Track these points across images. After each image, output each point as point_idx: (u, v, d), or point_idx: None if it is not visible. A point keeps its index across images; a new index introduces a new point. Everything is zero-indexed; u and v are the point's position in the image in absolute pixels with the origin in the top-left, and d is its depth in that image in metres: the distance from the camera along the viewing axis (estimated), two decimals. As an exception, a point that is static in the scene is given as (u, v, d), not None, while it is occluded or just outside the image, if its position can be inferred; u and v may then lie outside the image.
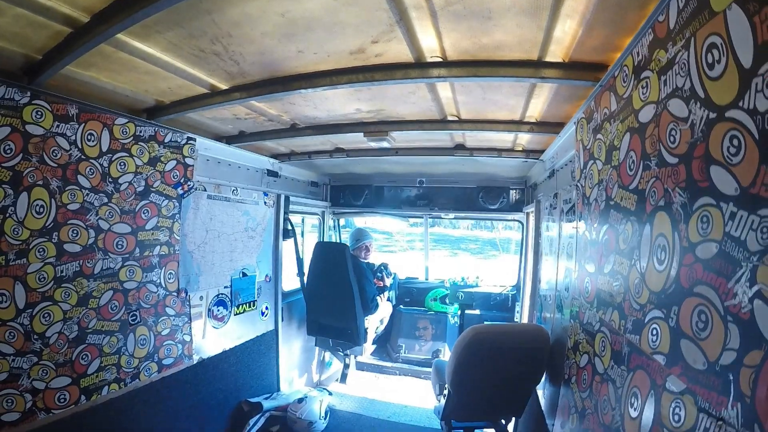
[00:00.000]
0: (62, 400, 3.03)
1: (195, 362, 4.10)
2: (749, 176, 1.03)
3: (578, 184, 2.77)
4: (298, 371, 6.16)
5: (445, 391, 3.78)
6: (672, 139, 1.45)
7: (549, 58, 2.52)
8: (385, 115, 3.95)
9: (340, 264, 5.40)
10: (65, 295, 3.06)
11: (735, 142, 1.09)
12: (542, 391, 3.60)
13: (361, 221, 8.32)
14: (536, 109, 3.49)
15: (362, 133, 4.23)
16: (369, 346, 6.56)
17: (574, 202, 2.90)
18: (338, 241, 7.59)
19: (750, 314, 0.97)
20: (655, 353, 1.44)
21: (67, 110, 3.03)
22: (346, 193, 7.18)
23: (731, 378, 0.99)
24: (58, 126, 2.98)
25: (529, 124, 3.78)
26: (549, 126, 3.70)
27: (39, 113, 2.87)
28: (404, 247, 17.60)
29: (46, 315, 2.95)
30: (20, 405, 2.81)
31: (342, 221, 7.79)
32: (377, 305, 6.24)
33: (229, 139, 4.71)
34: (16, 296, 2.79)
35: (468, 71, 2.67)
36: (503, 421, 4.01)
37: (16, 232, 2.79)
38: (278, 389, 5.49)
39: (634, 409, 1.56)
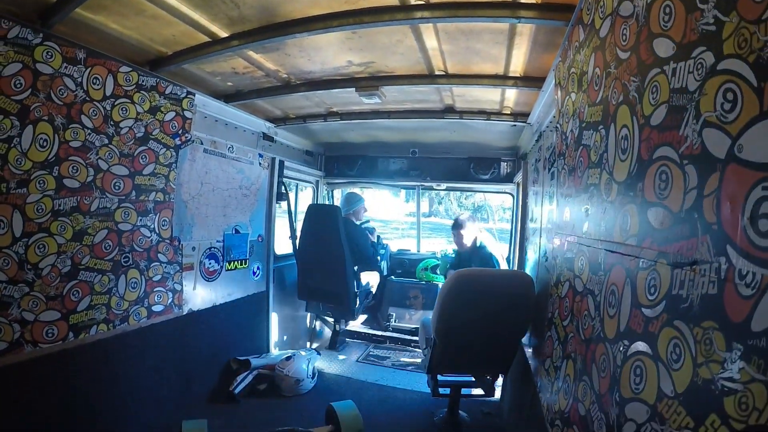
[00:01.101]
0: (50, 335, 3.05)
1: (185, 312, 4.13)
2: (680, 31, 1.18)
3: (557, 125, 2.82)
4: (289, 337, 6.19)
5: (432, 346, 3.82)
6: (624, 37, 1.60)
7: (524, -1, 2.65)
8: (375, 69, 4.03)
9: (332, 226, 5.41)
10: (61, 228, 3.09)
11: (667, 9, 1.25)
12: (530, 351, 3.59)
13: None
14: (519, 62, 3.57)
15: (354, 89, 4.32)
16: (360, 315, 6.65)
17: (554, 145, 2.95)
18: (330, 207, 7.59)
19: (701, 146, 1.04)
20: (628, 239, 1.50)
21: (75, 53, 3.10)
22: (340, 163, 7.21)
23: (696, 216, 1.04)
24: (66, 67, 3.05)
25: (513, 79, 3.85)
26: (532, 81, 3.77)
27: (49, 54, 2.94)
28: (402, 235, 17.79)
29: (41, 246, 2.98)
30: (8, 335, 2.82)
31: (337, 193, 7.81)
32: (381, 259, 6.37)
33: (227, 98, 4.75)
34: (13, 224, 2.82)
35: (448, 12, 2.81)
36: (490, 378, 4.05)
37: (19, 162, 2.84)
38: (268, 353, 5.52)
39: (612, 307, 1.60)
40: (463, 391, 4.26)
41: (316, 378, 5.06)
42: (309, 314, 6.60)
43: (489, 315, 3.35)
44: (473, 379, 4.09)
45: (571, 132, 2.41)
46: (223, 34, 3.45)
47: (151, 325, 3.80)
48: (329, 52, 3.73)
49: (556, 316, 2.69)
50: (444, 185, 7.08)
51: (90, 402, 3.33)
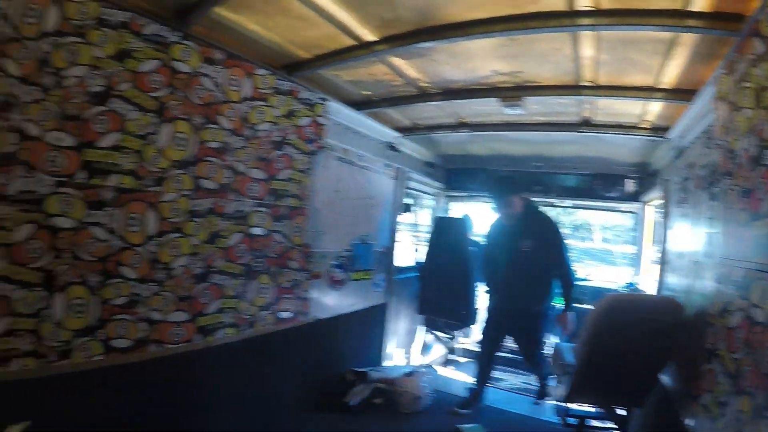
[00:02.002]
0: (177, 336, 2.87)
1: (310, 321, 3.87)
2: None
3: (720, 141, 2.54)
4: (401, 350, 5.81)
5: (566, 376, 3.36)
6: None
7: (693, 8, 2.40)
8: (522, 78, 3.70)
9: (460, 240, 4.98)
10: (196, 229, 2.93)
11: None
12: (670, 382, 3.14)
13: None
14: (672, 73, 3.22)
15: (495, 99, 3.95)
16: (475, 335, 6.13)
17: (714, 163, 2.66)
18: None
19: None
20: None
21: (213, 54, 2.98)
22: (461, 176, 6.73)
23: None
24: (204, 67, 2.92)
25: (662, 91, 3.47)
26: (682, 93, 3.36)
27: (187, 53, 2.83)
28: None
29: (174, 246, 2.82)
30: (133, 333, 2.66)
31: (455, 206, 7.30)
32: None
33: (357, 106, 4.49)
34: (147, 222, 2.69)
35: (616, 20, 2.57)
36: (622, 410, 3.49)
37: (155, 160, 2.70)
38: (380, 365, 5.16)
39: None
40: (589, 422, 3.76)
41: (432, 396, 4.58)
42: (422, 329, 6.12)
43: (633, 342, 2.96)
44: (603, 410, 3.57)
45: (744, 150, 2.17)
46: (371, 38, 3.19)
47: (277, 331, 3.57)
48: (478, 60, 3.41)
49: (721, 347, 2.37)
50: (568, 202, 6.42)
51: (208, 404, 3.12)
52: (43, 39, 2.29)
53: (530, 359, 4.60)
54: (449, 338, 6.02)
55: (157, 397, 2.83)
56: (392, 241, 5.13)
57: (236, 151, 3.13)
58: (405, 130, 5.33)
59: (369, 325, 4.87)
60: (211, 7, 2.74)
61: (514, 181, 4.40)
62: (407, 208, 5.19)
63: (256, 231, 3.29)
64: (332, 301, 4.18)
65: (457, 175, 6.76)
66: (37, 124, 2.28)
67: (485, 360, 4.47)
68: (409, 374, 4.59)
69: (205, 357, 3.03)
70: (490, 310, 4.52)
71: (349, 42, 3.23)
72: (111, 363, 2.58)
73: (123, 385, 2.66)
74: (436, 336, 6.32)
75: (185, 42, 2.80)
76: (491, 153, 6.26)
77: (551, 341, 4.72)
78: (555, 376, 4.08)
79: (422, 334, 6.33)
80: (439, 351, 6.35)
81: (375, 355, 5.09)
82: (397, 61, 3.54)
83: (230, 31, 3.08)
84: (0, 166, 2.19)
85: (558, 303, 4.33)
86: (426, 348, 6.47)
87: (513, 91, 3.85)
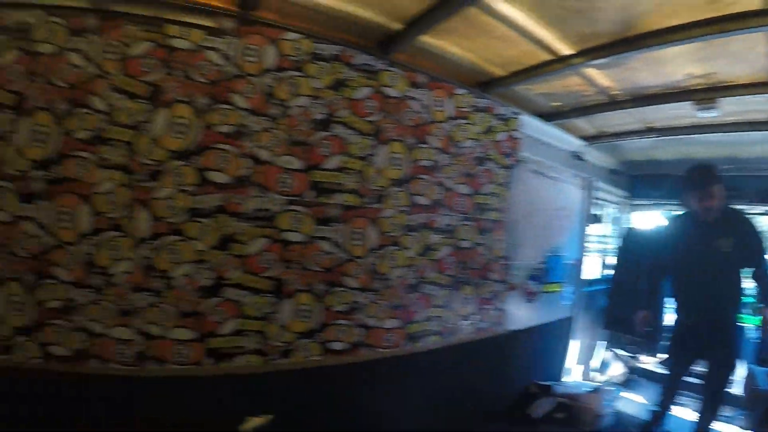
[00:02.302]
0: (387, 341, 2.95)
1: (504, 332, 3.75)
2: None
3: None
4: (580, 366, 5.39)
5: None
6: None
7: None
8: (715, 80, 3.33)
9: (652, 250, 4.56)
10: (411, 243, 2.97)
11: None
12: None
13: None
14: None
15: (689, 102, 3.57)
16: (660, 354, 5.57)
17: None
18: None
19: None
20: None
21: (417, 78, 3.03)
22: (645, 183, 6.07)
23: None
24: (410, 91, 2.99)
25: None
26: None
27: (394, 78, 2.91)
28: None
29: (392, 258, 2.89)
30: (349, 337, 2.79)
31: (639, 215, 6.67)
32: None
33: (547, 117, 4.28)
34: (369, 236, 2.80)
35: None
36: None
37: (375, 179, 2.81)
38: (560, 380, 4.82)
39: None
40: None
41: (613, 415, 4.26)
42: (602, 344, 5.69)
43: None
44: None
45: None
46: (567, 52, 3.02)
47: (474, 340, 3.51)
48: (672, 65, 3.14)
49: None
50: (760, 208, 5.56)
51: (408, 405, 3.14)
52: (265, 75, 2.52)
53: (715, 385, 3.78)
54: (631, 356, 5.56)
55: (364, 395, 2.93)
56: (581, 252, 4.81)
57: (444, 168, 3.14)
58: (590, 138, 4.97)
59: (554, 339, 4.59)
60: (417, 35, 2.77)
61: (717, 169, 3.35)
62: (595, 218, 4.89)
63: (463, 244, 3.26)
64: (524, 313, 4.01)
65: (641, 182, 6.11)
66: (268, 150, 2.50)
67: (671, 382, 3.93)
68: (593, 391, 4.29)
69: (409, 362, 3.07)
70: (678, 324, 3.66)
71: (545, 57, 3.10)
72: (326, 363, 2.72)
73: (335, 383, 2.79)
74: (616, 354, 5.85)
75: (391, 69, 2.90)
76: (677, 156, 5.49)
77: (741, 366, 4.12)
78: (746, 406, 3.56)
79: (602, 351, 5.97)
80: (617, 369, 5.89)
81: (556, 369, 4.78)
82: (591, 72, 3.32)
83: (430, 55, 3.09)
84: (237, 188, 2.44)
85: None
86: (604, 365, 6.05)
87: (706, 93, 3.47)
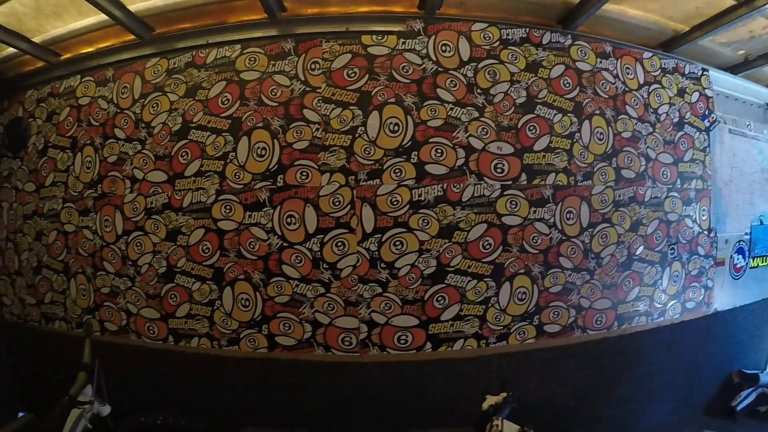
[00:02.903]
0: (598, 323, 2.77)
1: (710, 312, 3.34)
2: None
3: None
4: None
5: None
6: None
7: None
8: None
9: None
10: (620, 218, 2.76)
11: None
12: None
13: None
14: None
15: None
16: None
17: None
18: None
19: None
20: None
21: (604, 48, 2.82)
22: None
23: None
24: (600, 62, 2.80)
25: None
26: None
27: (583, 52, 2.74)
28: None
29: (603, 236, 2.71)
30: (564, 319, 2.66)
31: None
32: None
33: (734, 69, 3.76)
34: (581, 215, 2.65)
35: None
36: None
37: (582, 156, 2.66)
38: (764, 369, 4.09)
39: None
40: None
41: None
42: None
43: None
44: None
45: None
46: None
47: (681, 322, 3.15)
48: None
49: None
50: None
51: (614, 387, 2.91)
52: (463, 66, 2.51)
53: None
54: None
55: (580, 376, 2.78)
56: None
57: (645, 138, 2.88)
58: None
59: (760, 321, 3.95)
60: (598, 4, 2.54)
61: None
62: None
63: (671, 216, 2.96)
64: (732, 292, 3.53)
65: None
66: (480, 139, 2.47)
67: None
68: None
69: (616, 343, 2.84)
70: None
71: (728, 2, 2.72)
72: (538, 346, 2.63)
73: (547, 366, 2.68)
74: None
75: (578, 42, 2.74)
76: None
77: None
78: None
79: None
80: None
81: (759, 357, 4.13)
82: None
83: (611, 21, 2.84)
84: (455, 178, 2.44)
85: None
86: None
87: None
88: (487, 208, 2.45)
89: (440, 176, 2.42)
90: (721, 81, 3.51)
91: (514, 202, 2.49)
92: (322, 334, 2.44)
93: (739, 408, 3.47)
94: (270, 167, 2.45)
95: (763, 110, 4.00)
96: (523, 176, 2.52)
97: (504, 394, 1.98)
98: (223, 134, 2.50)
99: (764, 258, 3.80)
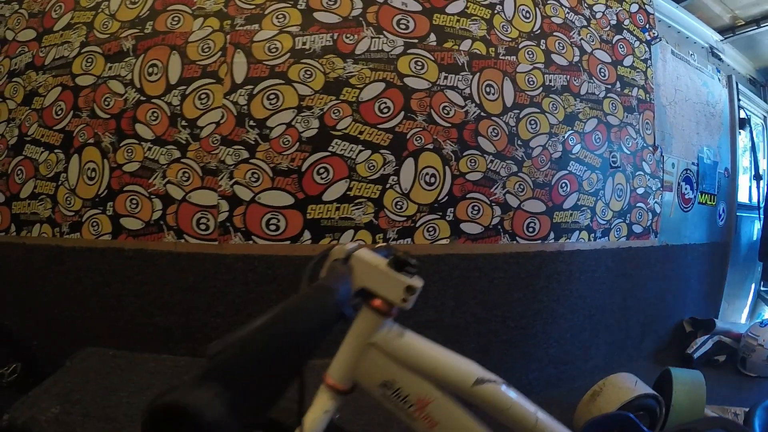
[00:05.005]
0: (531, 231, 2.16)
1: (658, 244, 2.78)
2: None
3: None
4: (736, 305, 4.15)
5: None
6: None
7: None
8: None
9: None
10: (552, 106, 2.19)
11: None
12: None
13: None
14: None
15: None
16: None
17: None
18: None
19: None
20: None
21: None
22: None
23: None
24: None
25: None
26: None
27: None
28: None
29: (532, 122, 2.13)
30: (486, 218, 2.07)
31: None
32: None
33: None
34: (505, 91, 2.10)
35: None
36: None
37: (505, 29, 2.15)
38: (715, 316, 3.55)
39: None
40: None
41: None
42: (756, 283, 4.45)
43: None
44: None
45: None
46: None
47: (628, 248, 2.58)
48: None
49: None
50: None
51: (547, 306, 2.29)
52: None
53: None
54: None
55: (511, 298, 2.15)
56: (734, 166, 3.62)
57: (580, 30, 2.35)
58: (723, 31, 3.75)
59: (709, 266, 3.41)
60: None
61: None
62: (743, 123, 3.76)
63: (611, 119, 2.40)
64: (680, 225, 2.99)
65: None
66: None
67: None
68: (764, 324, 2.96)
69: (554, 262, 2.25)
70: None
71: None
72: (458, 251, 2.02)
73: (476, 278, 2.07)
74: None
75: None
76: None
77: None
78: None
79: (757, 291, 4.69)
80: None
81: (709, 305, 3.59)
82: None
83: None
84: (348, 28, 1.88)
85: None
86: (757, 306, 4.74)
87: None
88: (387, 65, 1.83)
89: (331, 25, 1.81)
90: (663, 8, 3.05)
91: (419, 63, 1.88)
92: (174, 213, 1.77)
93: (696, 356, 2.89)
94: (140, 14, 1.87)
95: (707, 52, 3.54)
96: (432, 36, 1.92)
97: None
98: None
99: (712, 196, 3.29)
